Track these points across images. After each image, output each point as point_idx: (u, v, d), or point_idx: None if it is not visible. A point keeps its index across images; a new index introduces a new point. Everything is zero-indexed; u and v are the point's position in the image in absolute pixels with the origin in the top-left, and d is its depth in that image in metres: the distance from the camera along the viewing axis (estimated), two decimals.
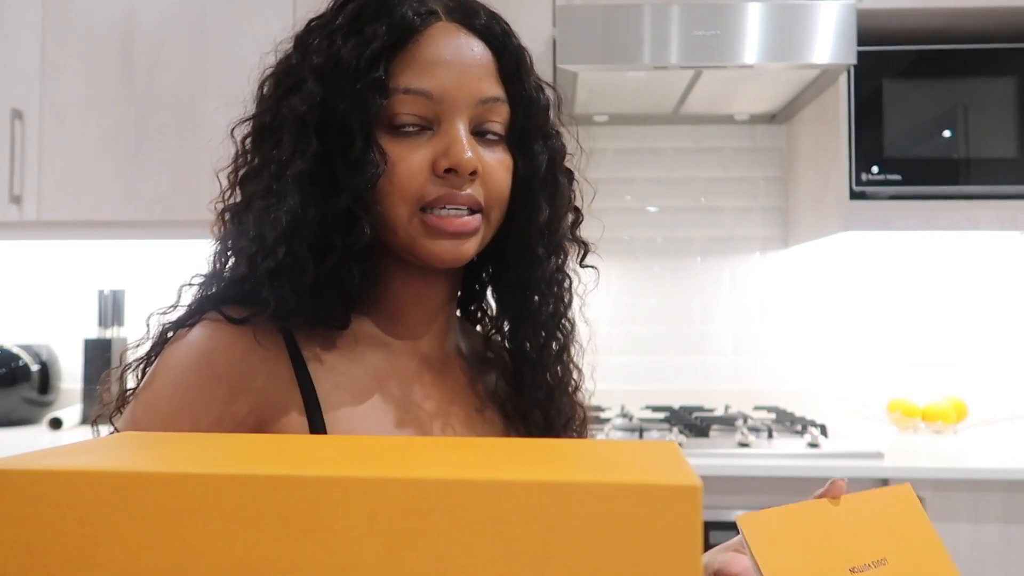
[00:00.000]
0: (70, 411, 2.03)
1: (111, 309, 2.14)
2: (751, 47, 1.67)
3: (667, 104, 2.03)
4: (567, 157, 0.78)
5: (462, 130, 0.66)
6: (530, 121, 0.72)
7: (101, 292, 2.14)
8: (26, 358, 2.08)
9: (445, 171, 0.66)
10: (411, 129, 0.66)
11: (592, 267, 0.81)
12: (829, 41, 1.67)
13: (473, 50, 0.69)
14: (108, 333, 2.13)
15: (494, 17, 0.72)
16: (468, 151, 0.66)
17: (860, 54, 1.71)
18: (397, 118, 0.66)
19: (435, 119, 0.67)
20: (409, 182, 0.66)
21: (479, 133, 0.69)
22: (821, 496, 0.72)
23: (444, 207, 0.66)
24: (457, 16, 0.69)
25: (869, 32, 1.84)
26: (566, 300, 0.78)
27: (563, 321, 0.78)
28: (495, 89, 0.69)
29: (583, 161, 0.81)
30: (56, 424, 1.98)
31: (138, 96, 1.93)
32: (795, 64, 1.69)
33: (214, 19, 1.93)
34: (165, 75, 1.93)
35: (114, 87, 1.93)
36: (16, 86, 1.94)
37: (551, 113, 0.76)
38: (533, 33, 1.88)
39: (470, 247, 0.68)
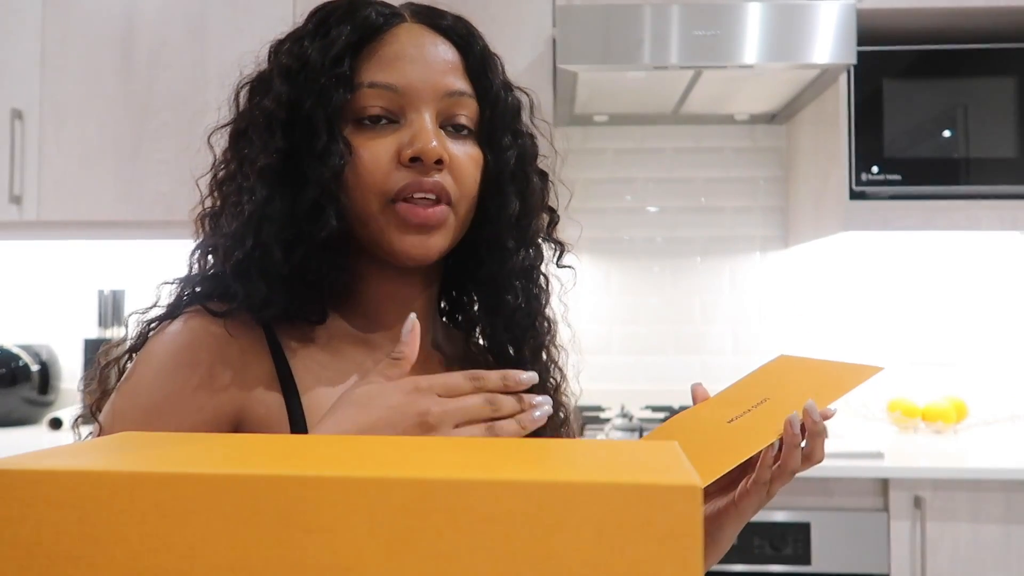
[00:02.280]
0: (70, 411, 2.03)
1: (111, 309, 2.14)
2: (751, 47, 1.67)
3: (667, 104, 2.03)
4: (541, 159, 0.78)
5: (428, 120, 0.67)
6: (498, 117, 0.73)
7: (101, 292, 2.14)
8: (26, 358, 2.08)
9: (411, 160, 0.66)
10: (377, 122, 0.68)
11: (569, 267, 0.81)
12: (829, 41, 1.67)
13: (438, 47, 0.70)
14: (108, 333, 2.13)
15: (460, 20, 0.74)
16: (433, 140, 0.66)
17: (860, 54, 1.71)
18: (362, 112, 0.68)
19: (401, 112, 0.68)
20: (375, 172, 0.67)
21: (447, 127, 0.70)
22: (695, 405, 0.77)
23: (412, 196, 0.67)
24: (422, 18, 0.72)
25: (869, 32, 1.84)
26: (542, 299, 0.78)
27: (539, 319, 0.78)
28: (461, 84, 0.70)
29: (558, 163, 0.81)
30: (56, 424, 1.98)
31: (138, 96, 1.93)
32: (795, 64, 1.69)
33: (214, 19, 1.93)
34: (165, 75, 1.93)
35: (114, 87, 1.93)
36: (16, 86, 1.94)
37: (523, 115, 0.76)
38: (533, 33, 1.88)
39: (436, 241, 0.68)
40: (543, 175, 0.78)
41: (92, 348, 2.10)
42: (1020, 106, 1.81)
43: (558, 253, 0.81)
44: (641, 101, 2.00)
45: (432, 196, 0.67)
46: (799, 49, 1.67)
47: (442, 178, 0.67)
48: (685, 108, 2.05)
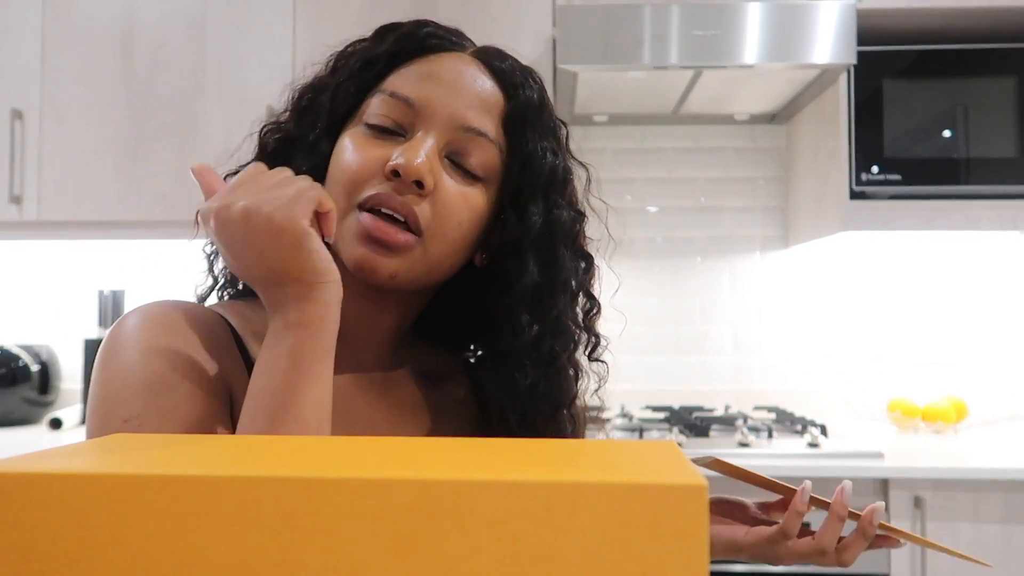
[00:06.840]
0: (70, 411, 2.03)
1: (111, 309, 2.13)
2: (751, 47, 1.67)
3: (667, 104, 2.03)
4: (588, 241, 0.72)
5: (428, 142, 0.63)
6: (528, 177, 0.67)
7: (101, 292, 2.14)
8: (26, 358, 2.08)
9: (392, 173, 0.62)
10: (383, 130, 0.65)
11: (602, 362, 0.74)
12: (829, 41, 1.67)
13: (476, 81, 0.66)
14: None
15: (523, 69, 0.69)
16: (420, 157, 0.62)
17: (860, 54, 1.71)
18: (372, 117, 0.66)
19: (411, 129, 0.65)
20: (354, 174, 0.63)
21: (456, 164, 0.65)
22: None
23: (378, 209, 0.62)
24: (480, 54, 0.69)
25: (869, 32, 1.84)
26: (565, 390, 0.71)
27: (550, 404, 0.71)
28: (485, 124, 0.66)
29: (610, 249, 0.74)
30: (56, 424, 1.98)
31: (138, 96, 1.93)
32: (795, 64, 1.68)
33: (214, 19, 1.93)
34: (165, 75, 1.93)
35: (114, 87, 1.93)
36: (16, 86, 1.93)
37: (570, 187, 0.71)
38: (533, 33, 1.88)
39: (390, 264, 0.63)
40: (586, 257, 0.72)
41: (92, 348, 2.10)
42: (1020, 106, 1.81)
43: (591, 347, 0.73)
44: (641, 101, 2.00)
45: (400, 217, 0.62)
46: (799, 49, 1.67)
47: (417, 204, 0.62)
48: (685, 108, 2.05)
